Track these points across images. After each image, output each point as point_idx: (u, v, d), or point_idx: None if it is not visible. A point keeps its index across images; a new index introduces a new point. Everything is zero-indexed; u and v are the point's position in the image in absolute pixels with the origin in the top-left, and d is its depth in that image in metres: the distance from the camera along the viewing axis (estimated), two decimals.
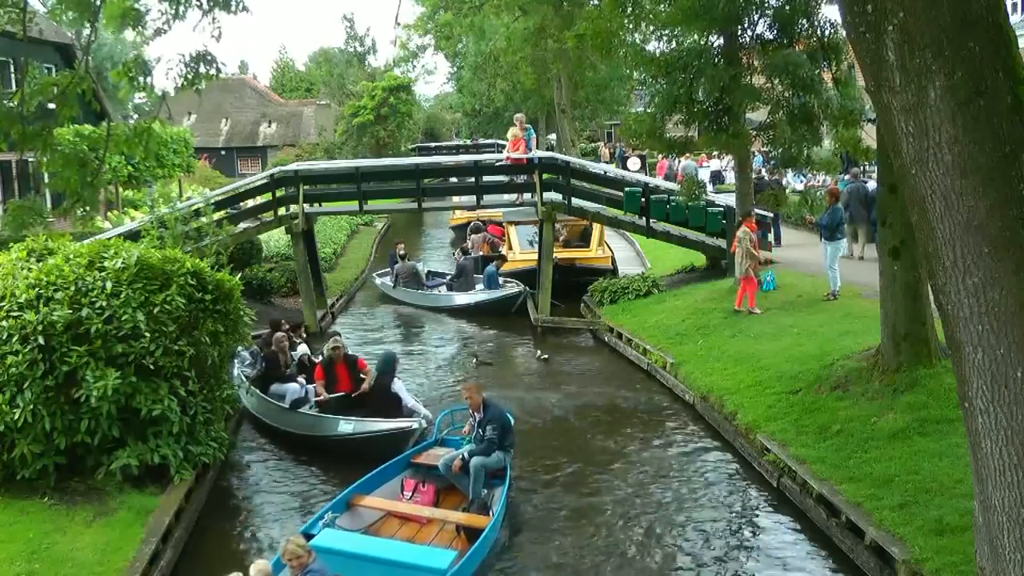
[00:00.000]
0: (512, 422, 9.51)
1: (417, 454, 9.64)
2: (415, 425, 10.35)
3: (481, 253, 21.99)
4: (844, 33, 12.18)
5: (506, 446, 9.14)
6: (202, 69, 7.57)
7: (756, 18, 12.92)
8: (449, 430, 10.16)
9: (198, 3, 7.44)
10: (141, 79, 7.46)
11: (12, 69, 23.59)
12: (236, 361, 12.61)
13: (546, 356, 15.57)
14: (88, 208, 7.23)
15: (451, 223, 32.75)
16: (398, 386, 11.34)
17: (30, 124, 6.90)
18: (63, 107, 6.66)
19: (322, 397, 11.28)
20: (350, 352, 12.37)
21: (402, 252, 21.62)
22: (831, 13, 14.83)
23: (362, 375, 11.60)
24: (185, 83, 7.62)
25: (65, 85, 6.62)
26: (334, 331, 14.09)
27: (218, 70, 7.75)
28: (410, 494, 9.20)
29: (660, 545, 8.39)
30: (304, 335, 14.37)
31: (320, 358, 12.31)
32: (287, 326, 13.65)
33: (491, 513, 8.44)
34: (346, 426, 10.53)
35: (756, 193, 16.99)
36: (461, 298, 19.48)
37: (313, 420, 10.97)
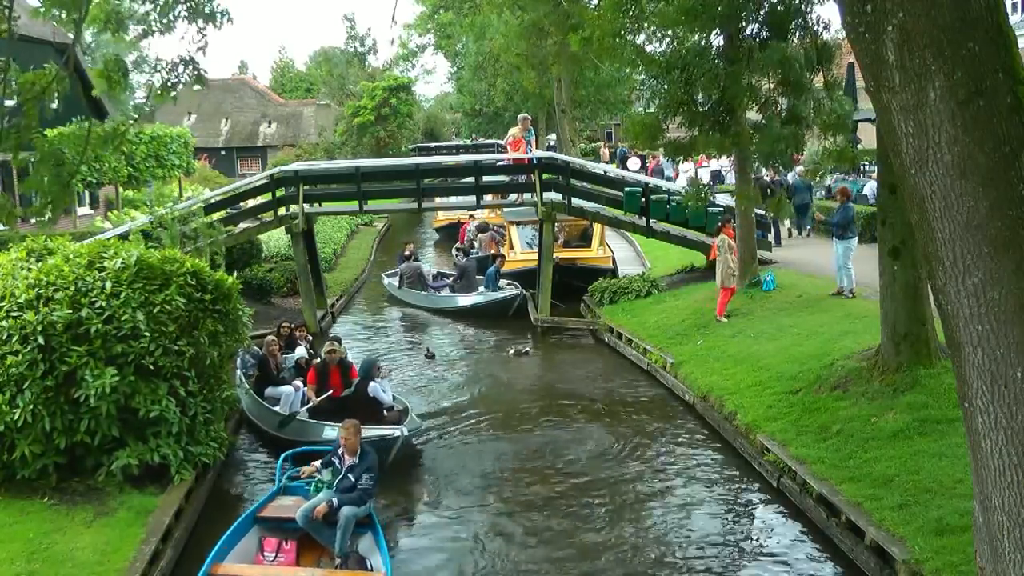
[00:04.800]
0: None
1: (262, 507, 8.52)
2: (397, 432, 10.07)
3: (491, 252, 21.95)
4: (837, 36, 12.20)
5: (372, 494, 8.37)
6: (184, 75, 7.51)
7: (753, 17, 12.89)
8: (289, 474, 9.08)
9: (185, 15, 7.39)
10: (120, 78, 7.38)
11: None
12: (239, 362, 12.59)
13: (527, 350, 15.65)
14: (52, 212, 7.07)
15: (435, 224, 32.72)
16: (374, 388, 11.06)
17: (9, 122, 6.80)
18: (32, 106, 6.56)
19: (312, 403, 11.26)
20: (347, 357, 12.34)
21: (408, 252, 21.59)
22: (826, 13, 14.86)
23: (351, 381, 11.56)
24: (168, 88, 7.55)
25: (45, 84, 6.54)
26: (335, 335, 14.03)
27: (200, 77, 7.68)
28: (273, 555, 8.14)
29: (659, 545, 8.39)
30: (309, 336, 14.30)
31: (316, 361, 12.29)
32: (287, 327, 13.63)
33: (369, 566, 7.85)
34: (330, 432, 10.37)
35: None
36: (461, 300, 19.48)
37: (299, 426, 10.85)
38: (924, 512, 7.38)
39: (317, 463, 8.73)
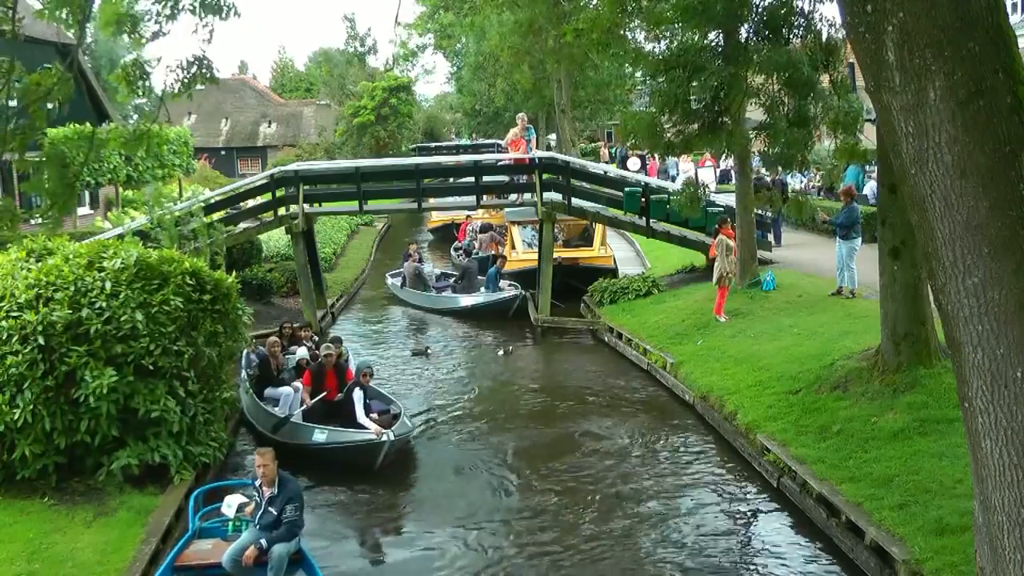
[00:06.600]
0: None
1: (178, 554, 7.71)
2: (384, 438, 9.98)
3: (492, 252, 21.94)
4: (841, 34, 12.18)
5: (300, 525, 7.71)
6: (197, 74, 7.53)
7: (753, 16, 12.89)
8: (201, 513, 8.31)
9: (190, 7, 7.40)
10: (139, 82, 7.40)
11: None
12: (243, 362, 12.57)
13: (512, 348, 15.95)
14: (59, 213, 7.02)
15: (430, 225, 32.69)
16: (358, 396, 10.73)
17: (14, 123, 6.80)
18: (37, 108, 6.56)
19: (306, 405, 11.23)
20: (346, 359, 12.29)
21: (410, 252, 21.56)
22: (829, 12, 14.86)
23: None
24: (181, 87, 7.56)
25: (50, 85, 6.55)
26: (336, 335, 13.99)
27: (213, 76, 7.70)
28: None
29: (658, 545, 8.38)
30: (314, 337, 14.22)
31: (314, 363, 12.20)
32: (289, 327, 13.60)
33: None
34: (320, 435, 10.36)
35: (755, 193, 17.01)
36: (462, 300, 19.48)
37: (292, 428, 10.80)
38: (924, 512, 7.37)
39: (240, 498, 8.02)
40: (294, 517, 7.47)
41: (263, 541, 7.32)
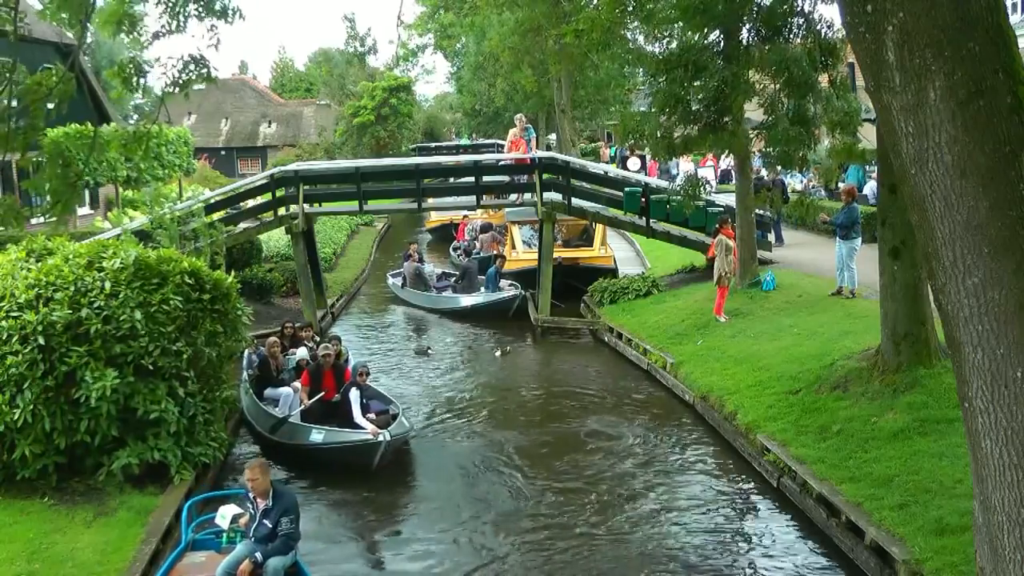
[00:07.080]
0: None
1: (171, 568, 7.39)
2: (381, 438, 9.95)
3: (493, 252, 21.93)
4: (840, 34, 12.19)
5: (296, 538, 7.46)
6: (194, 73, 7.51)
7: (754, 14, 12.89)
8: (195, 524, 8.03)
9: (196, 13, 7.39)
10: (135, 80, 7.38)
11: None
12: (244, 362, 12.56)
13: (508, 349, 16.01)
14: (62, 212, 6.99)
15: (428, 225, 32.70)
16: (354, 396, 10.65)
17: (16, 124, 6.80)
18: (37, 108, 6.57)
19: (303, 405, 11.23)
20: (346, 359, 12.26)
21: (410, 252, 21.55)
22: (828, 12, 14.86)
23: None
24: (177, 87, 7.54)
25: (52, 85, 6.56)
26: (335, 334, 13.96)
27: (210, 75, 7.67)
28: None
29: (659, 545, 8.39)
30: (315, 338, 14.20)
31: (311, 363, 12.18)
32: (290, 327, 13.58)
33: None
34: (317, 436, 10.36)
35: (755, 193, 17.02)
36: (462, 300, 19.48)
37: (290, 428, 10.79)
38: (924, 512, 7.38)
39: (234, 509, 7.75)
40: (290, 530, 7.24)
41: (258, 555, 7.07)
